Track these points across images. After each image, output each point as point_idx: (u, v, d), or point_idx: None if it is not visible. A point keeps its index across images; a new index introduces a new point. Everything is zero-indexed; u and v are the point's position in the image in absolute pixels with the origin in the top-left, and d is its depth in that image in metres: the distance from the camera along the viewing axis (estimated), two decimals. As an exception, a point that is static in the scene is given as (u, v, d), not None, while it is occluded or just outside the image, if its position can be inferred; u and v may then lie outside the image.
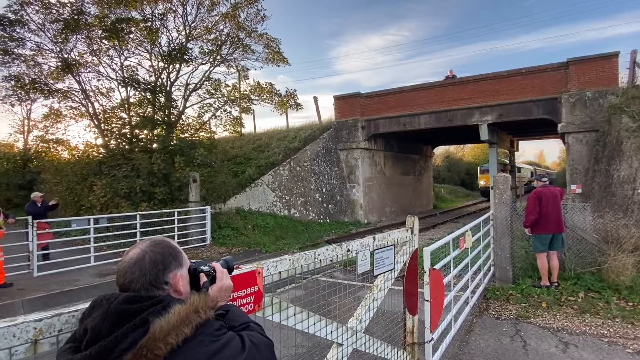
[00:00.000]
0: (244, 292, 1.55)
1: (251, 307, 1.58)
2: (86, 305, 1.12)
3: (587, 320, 4.39)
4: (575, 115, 11.23)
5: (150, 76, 12.92)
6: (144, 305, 0.87)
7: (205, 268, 1.11)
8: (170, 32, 12.94)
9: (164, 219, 9.61)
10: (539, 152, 69.85)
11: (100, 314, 0.86)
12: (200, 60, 13.39)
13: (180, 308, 0.87)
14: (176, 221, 9.50)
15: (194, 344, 0.84)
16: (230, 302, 1.20)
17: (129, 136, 12.23)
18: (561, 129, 11.44)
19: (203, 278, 1.08)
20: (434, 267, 3.09)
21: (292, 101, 15.10)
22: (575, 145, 11.25)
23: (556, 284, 5.38)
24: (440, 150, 36.05)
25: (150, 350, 0.79)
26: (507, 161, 23.62)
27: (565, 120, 11.36)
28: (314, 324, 1.97)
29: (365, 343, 2.43)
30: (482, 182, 28.62)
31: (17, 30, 11.85)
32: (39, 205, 8.01)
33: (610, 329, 4.15)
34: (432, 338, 3.01)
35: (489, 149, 16.07)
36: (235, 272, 1.41)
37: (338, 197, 15.41)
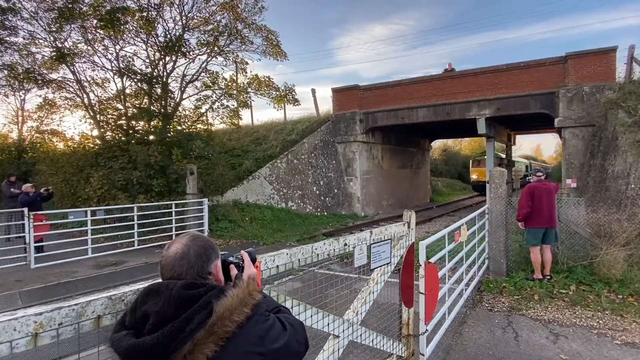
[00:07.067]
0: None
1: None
2: (87, 298, 1.15)
3: (577, 313, 4.49)
4: (572, 109, 11.26)
5: (146, 67, 12.74)
6: (201, 290, 0.97)
7: (235, 260, 1.20)
8: (166, 22, 12.73)
9: (161, 211, 9.60)
10: (537, 146, 70.17)
11: (163, 300, 0.95)
12: (197, 52, 13.23)
13: (237, 291, 0.98)
14: (173, 213, 9.49)
15: (253, 322, 0.96)
16: None
17: (125, 127, 12.11)
18: (558, 123, 11.48)
19: (233, 269, 1.18)
20: (430, 260, 3.13)
21: (290, 96, 14.93)
22: (572, 139, 11.31)
23: (549, 277, 5.48)
24: (438, 144, 36.11)
25: (220, 327, 0.90)
26: (503, 155, 23.64)
27: (562, 115, 11.40)
28: (311, 316, 2.01)
29: (361, 335, 2.48)
30: (474, 176, 26.95)
31: (10, 18, 11.60)
32: (30, 195, 7.98)
33: (600, 321, 4.25)
34: (427, 330, 3.07)
35: (487, 142, 16.10)
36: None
37: (335, 190, 15.45)
